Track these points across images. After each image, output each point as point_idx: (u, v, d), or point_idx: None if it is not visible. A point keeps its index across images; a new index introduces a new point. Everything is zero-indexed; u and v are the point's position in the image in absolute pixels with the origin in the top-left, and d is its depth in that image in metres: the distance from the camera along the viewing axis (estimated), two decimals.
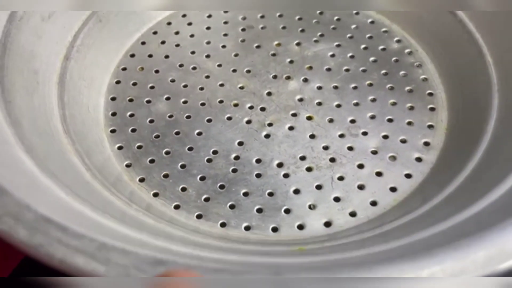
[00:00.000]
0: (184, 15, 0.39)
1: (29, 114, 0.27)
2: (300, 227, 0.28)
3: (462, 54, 0.33)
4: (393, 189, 0.29)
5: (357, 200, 0.29)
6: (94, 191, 0.26)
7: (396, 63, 0.35)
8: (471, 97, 0.31)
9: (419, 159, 0.31)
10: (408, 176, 0.30)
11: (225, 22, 0.39)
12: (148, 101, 0.34)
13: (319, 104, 0.34)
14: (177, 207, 0.29)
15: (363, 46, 0.37)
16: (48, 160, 0.24)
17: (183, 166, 0.31)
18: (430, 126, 0.32)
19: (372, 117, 0.33)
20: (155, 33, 0.38)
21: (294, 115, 0.33)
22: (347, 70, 0.35)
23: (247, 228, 0.28)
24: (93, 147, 0.30)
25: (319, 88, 0.34)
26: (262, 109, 0.34)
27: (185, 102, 0.34)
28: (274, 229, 0.28)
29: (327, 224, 0.28)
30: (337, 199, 0.29)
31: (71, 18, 0.32)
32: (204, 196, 0.30)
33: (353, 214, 0.29)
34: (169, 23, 0.39)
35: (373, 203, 0.29)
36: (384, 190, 0.29)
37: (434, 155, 0.31)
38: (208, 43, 0.38)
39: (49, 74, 0.30)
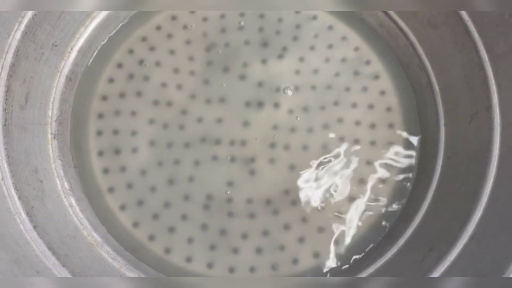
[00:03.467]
0: (144, 39, 0.39)
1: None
2: (295, 261, 0.35)
3: (413, 76, 0.37)
4: (364, 213, 0.36)
5: (336, 230, 0.35)
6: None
7: (356, 77, 0.39)
8: (423, 119, 0.36)
9: (383, 181, 0.37)
10: (376, 200, 0.36)
11: (187, 42, 0.39)
12: (134, 150, 0.36)
13: (292, 130, 0.37)
14: (188, 259, 0.35)
15: (324, 57, 0.39)
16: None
17: (184, 217, 0.35)
18: (390, 143, 0.37)
19: (341, 139, 0.37)
20: (119, 66, 0.38)
21: (272, 145, 0.37)
22: (313, 87, 0.38)
23: (252, 270, 0.35)
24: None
25: (290, 112, 0.38)
26: (242, 143, 0.37)
27: (169, 145, 0.37)
28: (274, 267, 0.35)
29: (316, 255, 0.35)
30: (320, 230, 0.35)
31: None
32: (210, 245, 0.35)
33: (336, 243, 0.35)
34: (131, 51, 0.38)
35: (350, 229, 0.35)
36: (358, 215, 0.36)
37: (395, 176, 0.37)
38: (176, 71, 0.38)
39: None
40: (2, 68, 0.30)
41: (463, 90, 0.33)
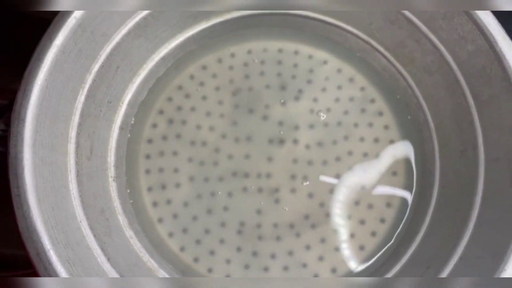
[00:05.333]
0: (180, 87, 0.45)
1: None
2: (316, 276, 0.42)
3: (412, 113, 0.43)
4: (373, 234, 0.43)
5: (350, 248, 0.42)
6: None
7: (363, 113, 0.45)
8: (422, 152, 0.43)
9: (389, 205, 0.43)
10: (382, 221, 0.43)
11: (217, 88, 0.46)
12: (177, 185, 0.43)
13: (310, 163, 0.44)
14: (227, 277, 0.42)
15: (335, 97, 0.46)
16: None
17: (222, 242, 0.42)
18: (394, 173, 0.44)
19: (350, 168, 0.44)
20: (161, 112, 0.45)
21: (292, 177, 0.44)
22: (325, 124, 0.45)
23: None
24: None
25: (307, 147, 0.44)
26: (268, 175, 0.44)
27: (206, 179, 0.44)
28: None
29: (333, 270, 0.42)
30: (336, 250, 0.42)
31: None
32: (244, 264, 0.42)
33: (349, 260, 0.42)
34: (169, 99, 0.45)
35: (361, 248, 0.42)
36: (367, 236, 0.43)
37: (399, 200, 0.43)
38: (208, 114, 0.45)
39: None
40: (71, 128, 0.37)
41: (454, 130, 0.39)
